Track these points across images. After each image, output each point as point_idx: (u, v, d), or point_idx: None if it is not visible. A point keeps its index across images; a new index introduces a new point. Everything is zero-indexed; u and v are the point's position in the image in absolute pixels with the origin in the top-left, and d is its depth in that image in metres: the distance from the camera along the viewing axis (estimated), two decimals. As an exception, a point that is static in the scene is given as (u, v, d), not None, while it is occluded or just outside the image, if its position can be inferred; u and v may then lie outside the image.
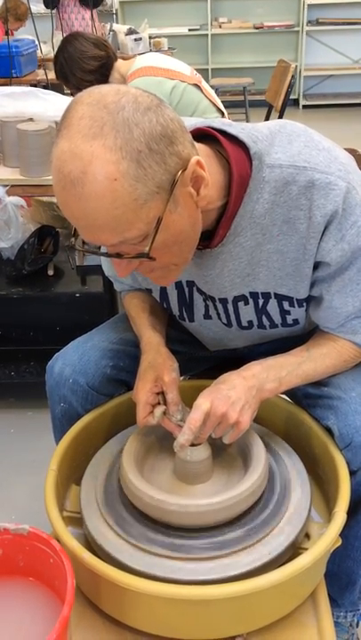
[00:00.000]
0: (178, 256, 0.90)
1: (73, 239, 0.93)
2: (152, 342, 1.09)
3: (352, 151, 1.31)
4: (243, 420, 0.95)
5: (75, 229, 0.86)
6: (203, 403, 0.94)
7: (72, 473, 1.09)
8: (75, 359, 1.13)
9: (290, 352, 1.03)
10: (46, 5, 4.39)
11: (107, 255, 0.87)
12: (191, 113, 2.28)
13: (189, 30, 6.53)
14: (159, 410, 1.00)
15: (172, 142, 0.80)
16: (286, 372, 1.00)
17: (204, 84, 2.36)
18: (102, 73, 2.26)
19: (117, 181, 0.76)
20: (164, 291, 1.11)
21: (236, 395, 0.95)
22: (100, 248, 1.01)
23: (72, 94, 2.45)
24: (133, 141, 0.76)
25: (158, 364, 1.04)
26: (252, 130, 0.94)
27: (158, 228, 0.82)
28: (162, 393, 1.02)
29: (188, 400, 1.02)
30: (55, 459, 1.04)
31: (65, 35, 2.74)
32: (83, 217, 0.80)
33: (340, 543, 0.94)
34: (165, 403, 1.01)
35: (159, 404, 1.02)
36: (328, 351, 1.03)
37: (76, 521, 1.00)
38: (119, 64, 2.30)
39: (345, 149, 1.00)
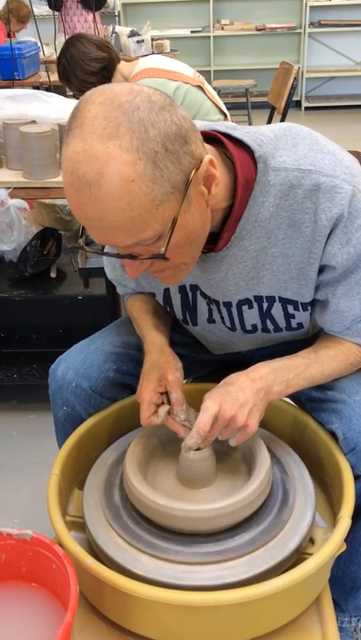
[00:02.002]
0: (188, 255, 0.90)
1: (81, 240, 0.92)
2: (155, 342, 1.08)
3: (355, 153, 1.30)
4: (251, 423, 0.94)
5: (82, 230, 0.85)
6: (211, 405, 0.93)
7: (75, 477, 1.08)
8: (78, 363, 1.13)
9: (297, 354, 1.03)
10: (50, 7, 4.39)
11: (119, 256, 0.87)
12: (194, 115, 2.27)
13: (191, 32, 6.54)
14: (163, 409, 0.99)
15: (186, 142, 0.79)
16: (294, 375, 1.00)
17: (206, 86, 2.35)
18: (104, 75, 2.26)
19: (134, 182, 0.76)
20: (167, 294, 1.11)
21: (244, 397, 0.94)
22: (103, 249, 1.01)
23: (74, 96, 2.45)
24: (150, 142, 0.76)
25: (162, 364, 1.03)
26: (256, 133, 0.93)
27: (174, 229, 0.81)
28: (166, 393, 1.02)
29: (191, 403, 1.01)
30: (58, 463, 1.03)
31: (67, 37, 2.73)
32: (98, 219, 0.79)
33: (344, 548, 0.93)
34: (169, 403, 1.01)
35: (163, 403, 1.01)
36: (335, 353, 1.02)
37: (79, 525, 1.00)
38: (122, 66, 2.31)
39: (348, 152, 1.00)
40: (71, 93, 2.50)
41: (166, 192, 0.78)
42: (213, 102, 2.33)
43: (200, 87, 2.30)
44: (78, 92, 2.30)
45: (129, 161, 0.75)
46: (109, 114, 0.75)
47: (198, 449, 0.96)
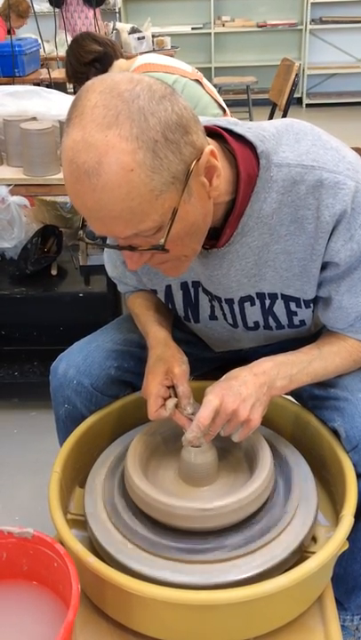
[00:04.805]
0: (189, 247, 0.89)
1: (81, 232, 0.91)
2: (159, 337, 1.08)
3: (357, 150, 1.29)
4: (253, 417, 0.93)
5: (82, 222, 0.85)
6: (212, 399, 0.92)
7: (76, 475, 1.08)
8: (79, 360, 1.12)
9: (300, 350, 1.02)
10: (51, 3, 4.40)
11: (118, 248, 0.86)
12: (192, 108, 2.27)
13: (192, 29, 6.52)
14: (171, 402, 0.98)
15: (186, 132, 0.79)
16: (297, 370, 0.99)
17: (205, 81, 2.37)
18: (97, 67, 2.34)
19: (134, 172, 0.75)
20: (169, 291, 1.10)
21: (247, 391, 0.93)
22: (105, 241, 1.00)
23: (74, 93, 2.48)
24: (150, 131, 0.75)
25: (168, 357, 1.02)
26: (258, 129, 0.92)
27: (174, 220, 0.81)
28: (172, 387, 1.01)
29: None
30: (59, 461, 1.03)
31: (68, 34, 2.74)
32: (97, 209, 0.78)
33: (347, 547, 0.92)
34: (176, 396, 1.00)
35: (170, 397, 1.00)
36: (338, 350, 1.02)
37: (81, 523, 0.99)
38: (120, 62, 2.37)
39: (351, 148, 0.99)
40: (72, 90, 2.53)
41: (166, 182, 0.78)
42: (212, 97, 2.33)
43: (198, 81, 2.30)
44: (74, 79, 2.43)
45: (128, 150, 0.74)
46: (109, 102, 0.75)
47: (199, 446, 0.95)
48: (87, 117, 0.75)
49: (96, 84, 0.77)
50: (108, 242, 0.99)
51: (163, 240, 0.82)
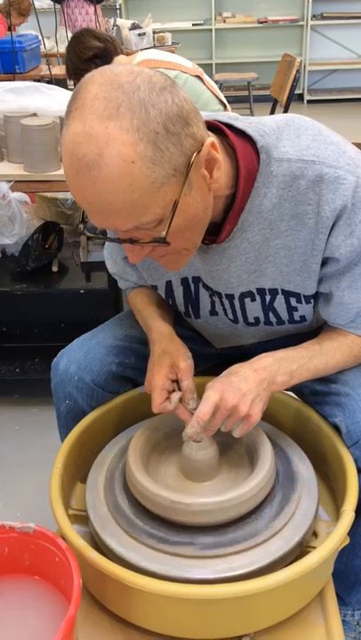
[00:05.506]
0: (189, 240, 0.89)
1: (81, 226, 0.91)
2: (163, 331, 1.07)
3: (359, 146, 1.29)
4: (253, 413, 0.93)
5: (83, 215, 0.85)
6: (212, 395, 0.92)
7: (77, 470, 1.08)
8: (80, 356, 1.13)
9: (301, 345, 1.02)
10: (52, -1, 4.40)
11: (119, 241, 0.86)
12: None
13: (193, 25, 6.52)
14: (176, 395, 0.98)
15: (187, 123, 0.78)
16: (297, 366, 0.99)
17: (205, 77, 2.37)
18: (97, 64, 2.31)
19: (135, 164, 0.75)
20: (169, 287, 1.10)
21: (247, 387, 0.93)
22: (105, 234, 1.00)
23: (72, 80, 2.51)
24: (150, 122, 0.75)
25: (173, 351, 1.02)
26: (258, 124, 0.92)
27: (175, 212, 0.80)
28: (175, 381, 1.01)
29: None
30: (60, 456, 1.03)
31: (68, 30, 2.74)
32: (97, 202, 0.78)
33: (347, 542, 0.93)
34: (180, 390, 1.00)
35: (174, 390, 1.00)
36: (339, 345, 1.02)
37: (82, 519, 1.00)
38: (121, 58, 2.36)
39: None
40: (72, 86, 2.52)
41: (167, 174, 0.77)
42: (213, 92, 2.33)
43: (199, 77, 2.30)
44: (74, 76, 2.42)
45: (129, 142, 0.74)
46: (110, 94, 0.75)
47: (200, 441, 0.95)
48: (87, 109, 0.75)
49: (96, 77, 0.77)
50: (108, 235, 0.99)
51: (164, 233, 0.82)
